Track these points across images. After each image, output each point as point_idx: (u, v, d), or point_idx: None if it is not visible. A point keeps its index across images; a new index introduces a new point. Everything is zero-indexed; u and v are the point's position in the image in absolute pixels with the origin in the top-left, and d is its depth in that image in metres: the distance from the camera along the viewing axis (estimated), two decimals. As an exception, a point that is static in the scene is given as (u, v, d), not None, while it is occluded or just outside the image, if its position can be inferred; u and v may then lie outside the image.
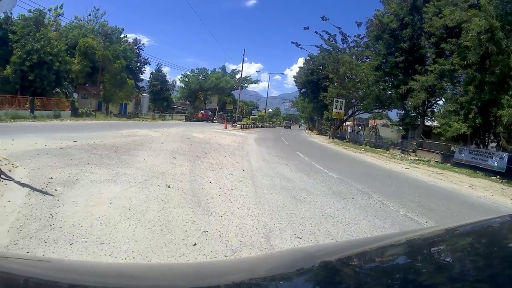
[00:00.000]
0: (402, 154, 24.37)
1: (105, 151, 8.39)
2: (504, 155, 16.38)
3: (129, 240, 3.22)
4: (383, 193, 7.26)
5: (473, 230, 1.31)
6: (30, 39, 26.04)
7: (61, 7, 37.94)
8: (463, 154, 18.65)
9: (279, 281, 0.82)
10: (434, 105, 25.83)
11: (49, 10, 35.79)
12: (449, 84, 20.72)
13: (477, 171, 16.28)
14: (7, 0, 5.53)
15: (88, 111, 29.45)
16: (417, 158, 21.76)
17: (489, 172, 16.01)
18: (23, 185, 4.64)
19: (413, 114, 26.78)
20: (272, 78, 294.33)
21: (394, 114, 35.40)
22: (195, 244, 3.24)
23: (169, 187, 5.43)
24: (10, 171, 5.41)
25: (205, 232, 3.65)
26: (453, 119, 18.35)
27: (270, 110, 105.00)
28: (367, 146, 28.81)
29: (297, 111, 79.73)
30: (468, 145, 19.34)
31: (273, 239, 3.68)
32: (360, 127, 39.70)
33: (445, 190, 9.70)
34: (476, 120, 16.57)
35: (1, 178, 4.89)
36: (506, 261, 0.93)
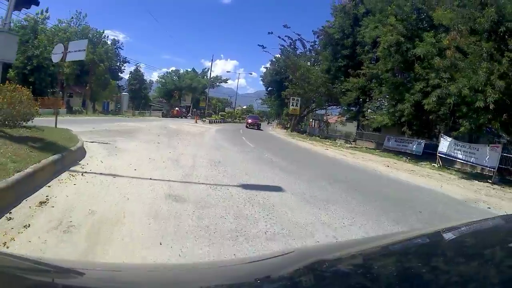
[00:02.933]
0: (343, 143, 30.67)
1: (118, 133, 14.49)
2: (421, 141, 20.46)
3: (147, 152, 9.60)
4: (272, 153, 13.74)
5: (471, 230, 1.36)
6: (30, 46, 31.33)
7: (46, 11, 40.79)
8: (390, 142, 23.17)
9: (279, 281, 0.85)
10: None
11: (36, 14, 37.96)
12: (376, 85, 23.74)
13: (400, 155, 19.85)
14: (78, 53, 11.53)
15: (79, 109, 34.94)
16: (353, 146, 27.74)
17: (409, 155, 19.76)
18: (92, 142, 10.69)
19: (352, 109, 33.07)
20: (247, 75, 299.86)
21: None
22: (170, 152, 9.73)
23: (158, 143, 11.91)
24: (76, 139, 11.44)
25: (174, 151, 10.07)
26: (378, 113, 24.17)
27: (244, 107, 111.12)
28: (317, 137, 34.85)
29: (268, 108, 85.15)
30: (395, 134, 23.38)
31: (197, 156, 10.02)
32: (324, 122, 45.96)
33: (333, 158, 15.76)
34: (396, 113, 20.46)
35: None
36: (504, 261, 0.97)
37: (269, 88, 54.22)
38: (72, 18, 48.00)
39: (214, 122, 42.59)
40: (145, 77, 62.24)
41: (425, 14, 20.00)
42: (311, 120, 51.00)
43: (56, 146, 7.12)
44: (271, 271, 0.92)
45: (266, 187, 6.49)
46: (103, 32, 49.01)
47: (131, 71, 60.08)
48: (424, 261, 1.00)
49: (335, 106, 40.48)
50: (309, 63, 41.67)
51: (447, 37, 15.43)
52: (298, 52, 44.15)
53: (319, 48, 39.06)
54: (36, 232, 3.32)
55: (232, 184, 6.38)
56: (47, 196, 4.49)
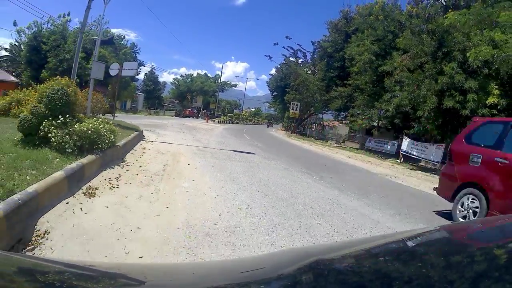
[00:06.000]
0: (333, 143, 36.15)
1: (151, 126, 20.57)
2: (395, 142, 24.05)
3: (179, 136, 15.88)
4: (261, 143, 19.70)
5: (471, 230, 1.42)
6: (62, 50, 37.35)
7: (68, 14, 44.52)
8: (370, 143, 27.37)
9: (279, 281, 0.87)
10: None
11: (59, 17, 42.90)
12: (359, 94, 27.53)
13: (375, 154, 23.86)
14: (130, 70, 17.62)
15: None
16: (340, 146, 33.15)
17: (384, 154, 23.63)
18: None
19: (342, 114, 38.55)
20: (258, 77, 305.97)
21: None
22: (193, 137, 16.13)
23: (184, 132, 18.25)
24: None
25: (195, 137, 16.28)
26: (359, 118, 29.83)
27: (253, 109, 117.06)
28: (313, 138, 40.22)
29: (275, 111, 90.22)
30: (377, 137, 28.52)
31: (210, 142, 16.12)
32: (320, 125, 51.81)
33: (308, 149, 21.69)
34: (372, 118, 25.50)
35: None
36: (503, 261, 0.99)
37: (274, 93, 59.58)
38: (94, 21, 54.43)
39: (222, 123, 48.66)
40: (158, 79, 69.03)
41: (396, 36, 24.39)
42: (312, 123, 56.46)
43: (131, 129, 13.14)
44: (271, 270, 0.95)
45: (247, 153, 12.61)
46: (124, 37, 55.61)
47: (146, 73, 66.70)
48: (424, 260, 1.03)
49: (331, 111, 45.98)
50: (310, 71, 47.03)
51: (397, 59, 20.84)
52: (300, 61, 49.78)
53: (316, 57, 44.51)
54: (149, 154, 9.37)
55: (228, 150, 12.67)
56: (143, 147, 10.53)
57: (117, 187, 5.52)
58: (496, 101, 15.08)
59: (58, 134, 6.33)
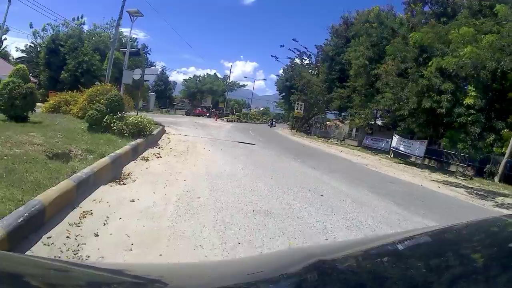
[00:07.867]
0: (334, 141, 39.08)
1: (168, 123, 23.57)
2: (388, 140, 26.45)
3: (194, 131, 19.42)
4: (264, 138, 23.06)
5: (471, 230, 1.44)
6: (80, 53, 40.40)
7: (82, 17, 48.92)
8: (367, 141, 30.37)
9: (279, 281, 0.90)
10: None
11: (73, 20, 46.27)
12: (356, 95, 30.00)
13: (370, 150, 26.64)
14: (152, 75, 21.07)
15: (120, 106, 44.69)
16: (339, 142, 35.93)
17: (378, 151, 26.52)
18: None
19: (342, 114, 41.54)
20: (268, 76, 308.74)
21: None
22: (205, 132, 19.62)
23: (197, 128, 21.85)
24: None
25: (207, 132, 19.78)
26: (356, 117, 32.76)
27: (261, 108, 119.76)
28: (315, 136, 43.14)
29: (282, 110, 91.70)
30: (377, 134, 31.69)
31: (219, 136, 19.66)
32: (322, 124, 54.77)
33: (306, 144, 24.80)
34: (367, 117, 27.85)
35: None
36: (504, 261, 1.00)
37: (283, 94, 62.21)
38: (107, 24, 57.36)
39: (231, 121, 52.14)
40: (168, 79, 72.80)
41: (390, 42, 26.68)
42: (316, 122, 59.28)
43: (156, 124, 16.40)
44: (276, 271, 0.97)
45: (249, 143, 16.08)
46: (136, 39, 59.26)
47: (156, 74, 70.04)
48: (424, 261, 1.05)
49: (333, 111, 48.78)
50: (315, 72, 49.78)
51: (383, 64, 23.75)
52: (306, 62, 52.63)
53: (320, 59, 47.50)
54: (174, 142, 12.82)
55: (234, 140, 16.20)
56: (168, 137, 13.98)
57: (160, 157, 8.93)
58: (472, 102, 17.09)
59: (119, 124, 9.75)
